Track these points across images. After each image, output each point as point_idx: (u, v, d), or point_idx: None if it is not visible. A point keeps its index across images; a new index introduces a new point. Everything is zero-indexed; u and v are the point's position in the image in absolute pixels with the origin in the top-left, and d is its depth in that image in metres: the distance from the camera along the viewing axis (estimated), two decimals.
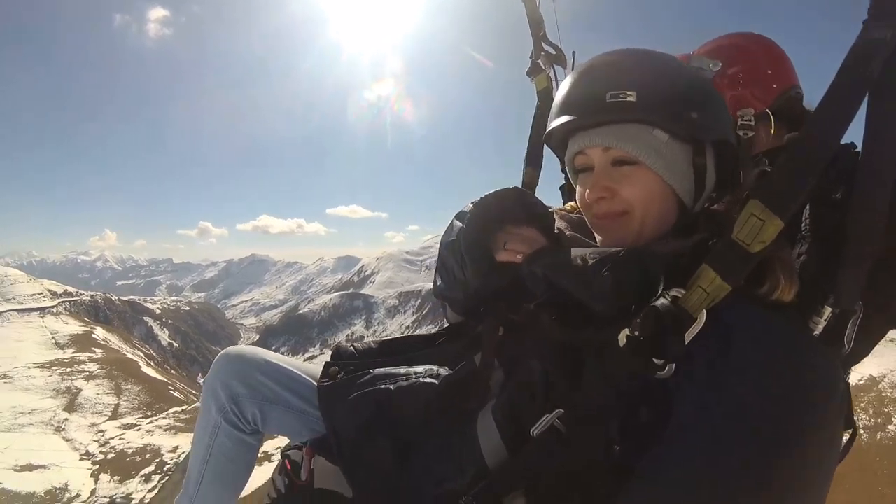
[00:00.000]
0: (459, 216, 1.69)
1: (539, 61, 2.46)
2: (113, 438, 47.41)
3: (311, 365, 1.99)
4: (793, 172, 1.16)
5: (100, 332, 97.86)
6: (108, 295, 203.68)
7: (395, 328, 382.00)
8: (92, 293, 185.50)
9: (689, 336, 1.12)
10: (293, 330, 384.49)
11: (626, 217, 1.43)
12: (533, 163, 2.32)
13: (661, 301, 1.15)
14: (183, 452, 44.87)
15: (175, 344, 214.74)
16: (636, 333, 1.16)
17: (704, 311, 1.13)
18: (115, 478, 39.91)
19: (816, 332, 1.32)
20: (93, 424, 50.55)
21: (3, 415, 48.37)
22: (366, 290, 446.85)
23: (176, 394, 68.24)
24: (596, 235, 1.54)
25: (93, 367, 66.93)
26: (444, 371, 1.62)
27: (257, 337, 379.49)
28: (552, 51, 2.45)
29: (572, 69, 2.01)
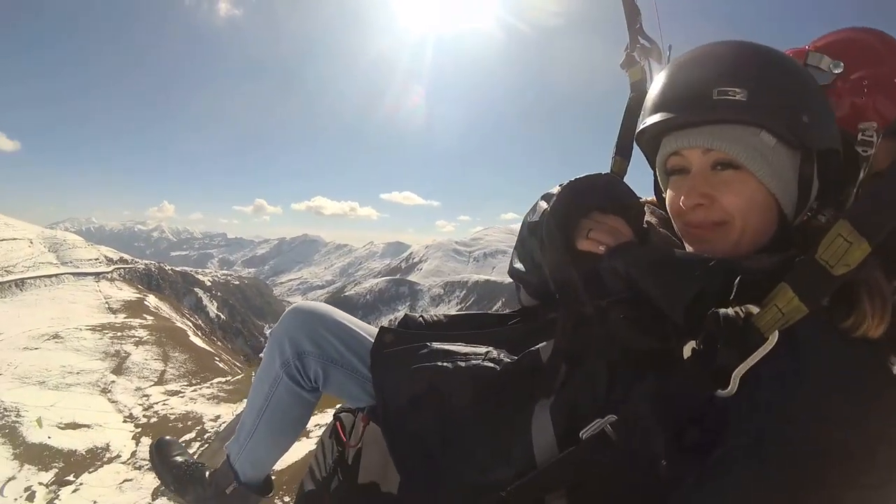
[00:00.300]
0: (546, 197, 1.61)
1: (634, 54, 2.24)
2: (157, 403, 48.10)
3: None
4: (887, 194, 1.04)
5: (152, 300, 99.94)
6: (161, 264, 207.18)
7: None
8: (147, 262, 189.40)
9: (756, 357, 1.04)
10: None
11: (723, 227, 1.32)
12: (622, 153, 2.09)
13: (727, 312, 1.07)
14: (224, 422, 44.88)
15: (222, 316, 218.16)
16: (701, 347, 1.10)
17: (777, 333, 1.04)
18: None
19: None
20: (138, 388, 51.35)
21: (52, 373, 49.45)
22: (412, 277, 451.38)
23: (221, 364, 69.00)
24: (686, 244, 1.44)
25: (143, 332, 68.05)
26: (504, 356, 1.54)
27: None
28: (647, 44, 2.23)
29: (667, 64, 1.84)
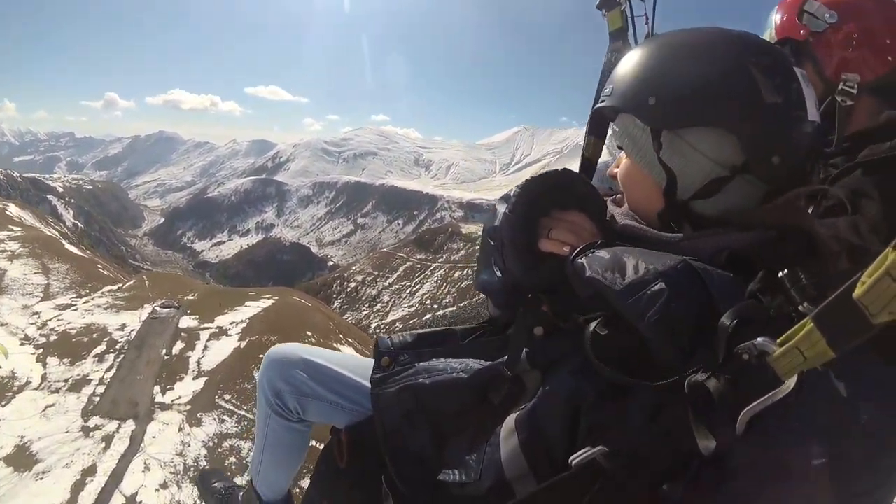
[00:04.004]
0: (504, 198, 1.57)
1: None
2: (51, 320, 45.63)
3: (350, 358, 2.21)
4: None
5: (13, 209, 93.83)
6: (8, 171, 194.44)
7: (307, 218, 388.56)
8: None
9: (769, 400, 0.97)
10: (201, 214, 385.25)
11: (623, 194, 1.55)
12: (596, 131, 1.97)
13: (746, 356, 0.99)
14: (133, 330, 44.69)
15: (79, 224, 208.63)
16: (709, 384, 1.01)
17: (795, 377, 0.96)
18: (65, 360, 38.65)
19: None
20: (26, 307, 48.19)
21: None
22: (279, 177, 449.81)
23: (105, 272, 66.44)
24: None
25: (14, 245, 63.89)
26: (477, 366, 1.54)
27: (162, 220, 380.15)
28: None
29: (653, 6, 2.00)
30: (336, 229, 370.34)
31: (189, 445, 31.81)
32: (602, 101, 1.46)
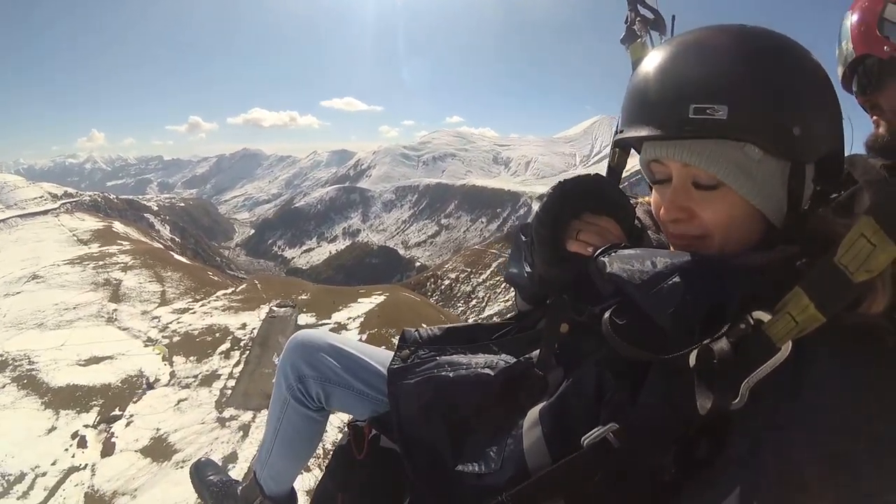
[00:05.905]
0: (539, 198, 1.60)
1: (634, 27, 2.13)
2: (171, 323, 46.74)
3: (374, 348, 2.18)
4: None
5: (119, 226, 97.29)
6: (105, 194, 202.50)
7: (391, 222, 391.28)
8: (91, 193, 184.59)
9: (767, 368, 0.98)
10: (289, 223, 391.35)
11: (704, 241, 1.27)
12: (621, 142, 1.75)
13: (742, 325, 1.02)
14: (253, 328, 45.27)
15: (177, 238, 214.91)
16: (708, 357, 1.03)
17: (790, 343, 0.98)
18: (191, 358, 39.31)
19: None
20: (145, 312, 49.59)
21: (48, 313, 46.86)
22: (362, 184, 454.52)
23: (216, 278, 68.27)
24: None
25: (125, 258, 65.86)
26: (502, 363, 1.57)
27: (252, 231, 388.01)
28: (649, 14, 2.12)
29: (671, 35, 1.97)
30: (421, 231, 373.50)
31: (326, 431, 30.29)
32: (704, 119, 1.14)
